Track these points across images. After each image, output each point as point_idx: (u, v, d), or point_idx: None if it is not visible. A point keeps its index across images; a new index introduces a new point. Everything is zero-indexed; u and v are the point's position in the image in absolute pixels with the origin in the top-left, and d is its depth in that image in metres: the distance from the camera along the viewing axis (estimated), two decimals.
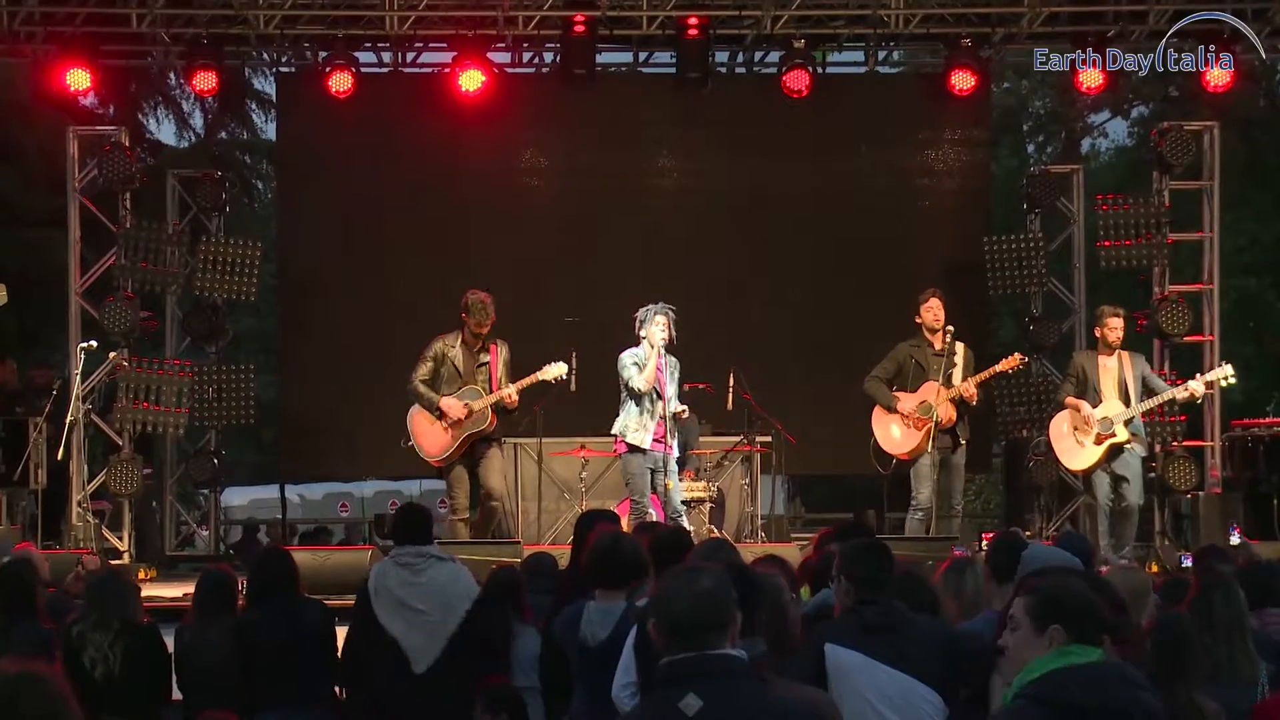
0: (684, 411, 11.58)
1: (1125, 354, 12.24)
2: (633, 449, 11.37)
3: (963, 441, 12.18)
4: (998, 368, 12.33)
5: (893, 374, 12.25)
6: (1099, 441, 12.08)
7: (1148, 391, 12.13)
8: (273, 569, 7.53)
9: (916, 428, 12.10)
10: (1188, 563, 11.32)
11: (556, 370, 11.62)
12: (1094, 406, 12.09)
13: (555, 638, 6.36)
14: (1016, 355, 12.46)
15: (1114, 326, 12.19)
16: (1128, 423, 12.05)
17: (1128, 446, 12.07)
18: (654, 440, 11.33)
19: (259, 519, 20.72)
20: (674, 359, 11.55)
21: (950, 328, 12.16)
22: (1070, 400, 12.24)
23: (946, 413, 12.06)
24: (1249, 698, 5.54)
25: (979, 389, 12.18)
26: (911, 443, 12.14)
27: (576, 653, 6.03)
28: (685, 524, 11.22)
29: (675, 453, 11.56)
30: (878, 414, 12.29)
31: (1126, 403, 12.06)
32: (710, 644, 3.68)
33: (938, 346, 12.16)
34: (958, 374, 12.06)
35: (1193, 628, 5.31)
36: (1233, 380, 12.75)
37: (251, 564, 8.04)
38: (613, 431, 11.57)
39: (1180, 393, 12.24)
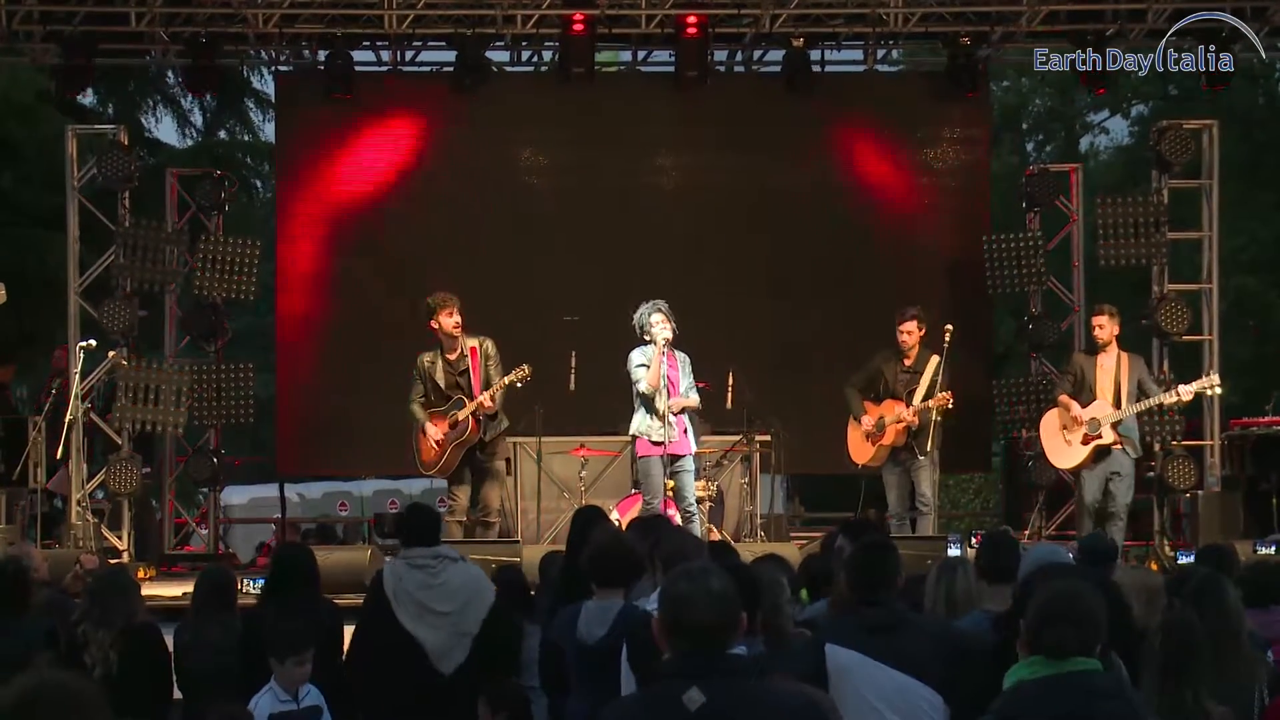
0: (691, 403, 11.57)
1: (1126, 355, 12.31)
2: (652, 446, 11.33)
3: (920, 456, 12.22)
4: (930, 403, 12.26)
5: (866, 384, 12.60)
6: (1085, 442, 12.17)
7: (1141, 395, 12.19)
8: (293, 564, 7.50)
9: (872, 442, 12.47)
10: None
11: (519, 373, 11.57)
12: (1087, 406, 12.16)
13: (552, 637, 6.36)
14: (946, 394, 12.25)
15: (1099, 325, 12.42)
16: (1116, 425, 12.13)
17: (1115, 448, 12.13)
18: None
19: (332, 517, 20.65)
20: (685, 355, 11.54)
21: (949, 327, 12.19)
22: (1063, 398, 12.33)
23: (892, 434, 12.26)
24: (1248, 697, 5.53)
25: (918, 416, 12.25)
26: (866, 455, 12.55)
27: (574, 651, 6.02)
28: (695, 522, 11.25)
29: (691, 448, 11.54)
30: (851, 420, 12.68)
31: (1118, 405, 12.12)
32: (720, 643, 3.71)
33: (908, 363, 12.39)
34: (919, 394, 12.19)
35: (1200, 630, 5.29)
36: (1219, 390, 12.86)
37: (272, 557, 8.04)
38: (631, 433, 11.56)
39: (1168, 398, 12.32)
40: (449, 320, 11.64)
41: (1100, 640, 3.96)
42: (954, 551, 10.85)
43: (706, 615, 3.70)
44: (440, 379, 11.71)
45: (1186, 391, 12.40)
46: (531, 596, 7.47)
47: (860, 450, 12.57)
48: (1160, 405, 12.56)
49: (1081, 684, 3.83)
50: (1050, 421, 12.53)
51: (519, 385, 11.63)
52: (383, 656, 7.02)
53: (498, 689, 6.67)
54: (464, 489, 11.82)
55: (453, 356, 11.73)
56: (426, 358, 11.81)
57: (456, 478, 11.84)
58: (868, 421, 12.40)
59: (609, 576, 6.04)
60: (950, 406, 12.29)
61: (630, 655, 5.47)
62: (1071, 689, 3.82)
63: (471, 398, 11.65)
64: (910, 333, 12.33)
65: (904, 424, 12.23)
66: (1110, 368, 12.26)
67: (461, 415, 11.62)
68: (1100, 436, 12.14)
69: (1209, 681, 5.17)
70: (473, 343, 11.75)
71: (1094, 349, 12.53)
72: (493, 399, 11.61)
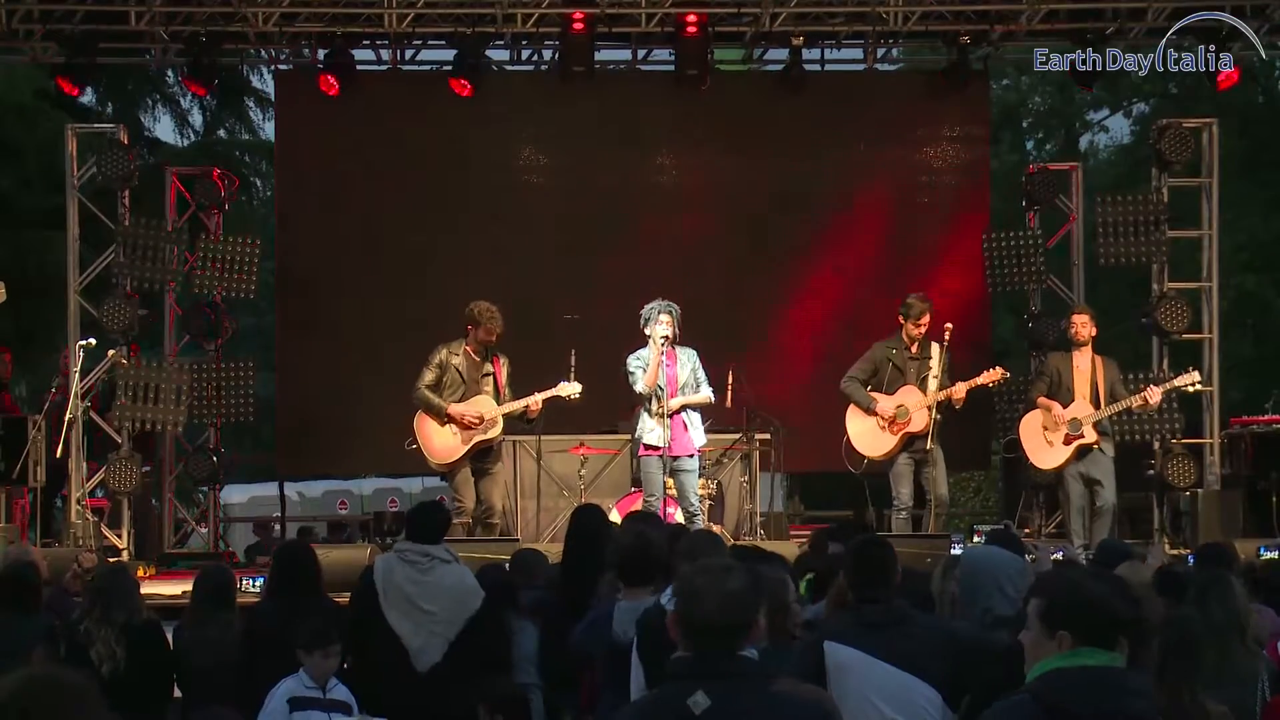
0: (700, 400, 11.60)
1: (1100, 358, 12.36)
2: (649, 449, 11.36)
3: (931, 445, 12.14)
4: (979, 380, 12.29)
5: (869, 375, 12.31)
6: (1067, 442, 12.19)
7: (1113, 399, 12.22)
8: (294, 563, 7.51)
9: (892, 432, 12.16)
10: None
11: (571, 389, 11.67)
12: (1066, 406, 12.18)
13: (575, 638, 6.37)
14: (999, 369, 12.41)
15: (1077, 323, 12.41)
16: (1096, 424, 12.15)
17: (1096, 447, 12.16)
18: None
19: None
20: (692, 350, 11.55)
21: (949, 326, 12.17)
22: (1042, 400, 12.33)
23: (922, 419, 12.08)
24: (1250, 695, 5.54)
25: (965, 395, 12.18)
26: (884, 446, 12.20)
27: (605, 653, 6.00)
28: (698, 522, 11.24)
29: (693, 447, 11.55)
30: (852, 412, 12.34)
31: (1096, 405, 12.16)
32: (731, 645, 3.70)
33: (914, 351, 12.22)
34: (933, 379, 12.10)
35: (1200, 628, 5.30)
36: (1199, 385, 12.87)
37: (275, 555, 8.06)
38: (635, 436, 11.59)
39: (1135, 402, 12.31)
40: (487, 337, 11.69)
41: (1132, 637, 3.95)
42: (958, 550, 10.86)
43: (718, 614, 3.69)
44: (463, 371, 11.73)
45: (1154, 394, 12.38)
46: (517, 593, 7.46)
47: (874, 442, 12.19)
48: (1129, 409, 12.53)
49: (1119, 679, 3.83)
50: (1031, 423, 12.51)
51: (568, 398, 11.68)
52: (367, 648, 7.03)
53: (494, 690, 6.67)
54: (469, 490, 11.82)
55: (477, 358, 11.78)
56: (451, 348, 11.78)
57: (462, 478, 11.84)
58: (886, 409, 12.13)
59: (639, 575, 6.01)
60: (1004, 381, 12.49)
61: (639, 647, 5.48)
62: (1110, 683, 3.81)
63: (496, 398, 11.70)
64: (925, 327, 12.16)
65: (958, 400, 12.01)
66: (1086, 369, 12.29)
67: (490, 414, 11.64)
68: (1082, 436, 12.17)
69: (1208, 679, 5.18)
70: (495, 353, 11.82)
71: (1067, 348, 12.53)
72: (538, 406, 11.67)
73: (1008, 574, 5.46)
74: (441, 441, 11.74)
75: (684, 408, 11.48)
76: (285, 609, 7.12)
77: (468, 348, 11.76)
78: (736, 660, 3.71)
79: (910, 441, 12.15)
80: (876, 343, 12.40)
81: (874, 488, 13.06)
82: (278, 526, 17.23)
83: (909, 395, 12.13)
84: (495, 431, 11.72)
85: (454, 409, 11.63)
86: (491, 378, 11.76)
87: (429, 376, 11.72)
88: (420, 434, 11.82)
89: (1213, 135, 14.61)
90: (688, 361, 11.53)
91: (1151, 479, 13.99)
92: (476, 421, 11.62)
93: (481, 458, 11.80)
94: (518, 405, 11.68)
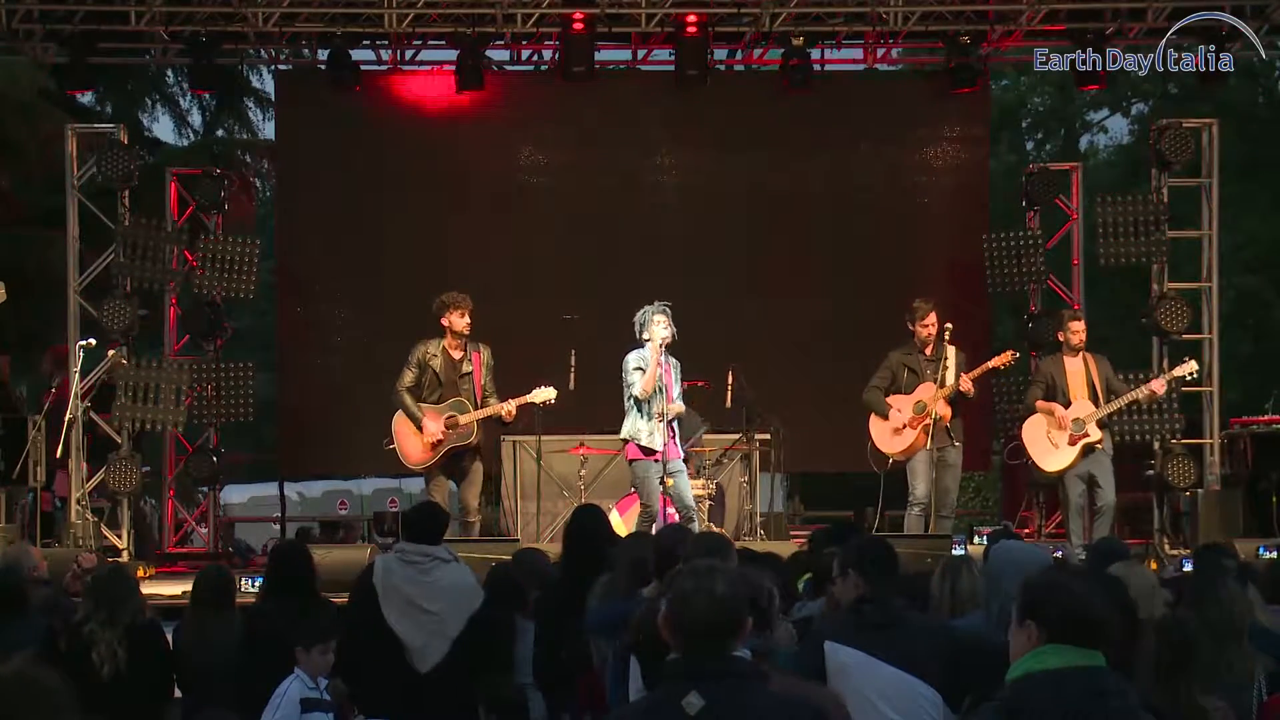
0: (680, 409, 11.61)
1: (1090, 356, 12.38)
2: (646, 452, 11.34)
3: (957, 442, 12.21)
4: (991, 363, 12.41)
5: (889, 383, 12.36)
6: (1073, 442, 12.19)
7: (1110, 394, 12.24)
8: (291, 563, 7.51)
9: (912, 426, 12.19)
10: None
11: (545, 394, 11.64)
12: (1065, 409, 12.20)
13: (590, 620, 6.39)
14: (1009, 352, 12.53)
15: (1075, 330, 12.43)
16: (1099, 422, 12.18)
17: (1099, 446, 12.19)
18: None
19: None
20: (674, 360, 11.54)
21: (949, 325, 12.19)
22: (1041, 404, 12.32)
23: (943, 410, 12.13)
24: (1246, 695, 5.54)
25: (974, 384, 12.22)
26: (908, 441, 12.23)
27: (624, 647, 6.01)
28: (695, 523, 11.24)
29: (680, 453, 11.56)
30: (875, 417, 12.38)
31: (1096, 403, 12.17)
32: (721, 647, 3.73)
33: (929, 353, 12.25)
34: (950, 375, 12.14)
35: (1195, 627, 5.30)
36: (1196, 372, 12.94)
37: (271, 556, 8.06)
38: (622, 436, 11.55)
39: (1140, 393, 12.33)
40: (460, 320, 11.66)
41: (1108, 636, 3.94)
42: (959, 551, 10.86)
43: (706, 616, 3.72)
44: (441, 373, 11.71)
45: (1160, 385, 12.44)
46: (524, 593, 7.47)
47: (898, 440, 12.23)
48: (1135, 402, 12.58)
49: (1090, 679, 3.82)
50: (1033, 427, 12.49)
51: (542, 404, 11.66)
52: (364, 650, 7.03)
53: (493, 690, 6.67)
54: (441, 494, 11.81)
55: (456, 355, 11.75)
56: (428, 347, 11.78)
57: (436, 484, 11.82)
58: (905, 411, 12.14)
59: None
60: (1014, 362, 12.55)
61: (635, 647, 5.50)
62: (1080, 684, 3.80)
63: (473, 401, 11.66)
64: (932, 325, 12.21)
65: (967, 390, 12.04)
66: (1079, 369, 12.32)
67: (465, 420, 11.61)
68: (1087, 435, 12.19)
69: (1206, 678, 5.18)
70: (475, 348, 11.77)
71: (1057, 352, 12.56)
72: (512, 412, 11.63)
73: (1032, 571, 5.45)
74: (415, 447, 11.75)
75: (675, 416, 11.48)
76: (283, 609, 7.12)
77: (446, 345, 11.74)
78: (729, 660, 3.73)
79: (937, 435, 12.18)
80: (892, 351, 12.43)
81: (875, 488, 13.06)
82: (275, 526, 17.23)
83: (927, 392, 12.18)
84: (470, 439, 11.70)
85: (427, 424, 11.60)
86: (470, 378, 11.72)
87: (408, 377, 11.71)
88: (397, 436, 11.84)
89: (1213, 135, 14.60)
90: (675, 370, 11.53)
91: (1151, 479, 13.99)
92: (444, 436, 11.59)
93: (457, 459, 11.78)
94: (488, 412, 11.65)
